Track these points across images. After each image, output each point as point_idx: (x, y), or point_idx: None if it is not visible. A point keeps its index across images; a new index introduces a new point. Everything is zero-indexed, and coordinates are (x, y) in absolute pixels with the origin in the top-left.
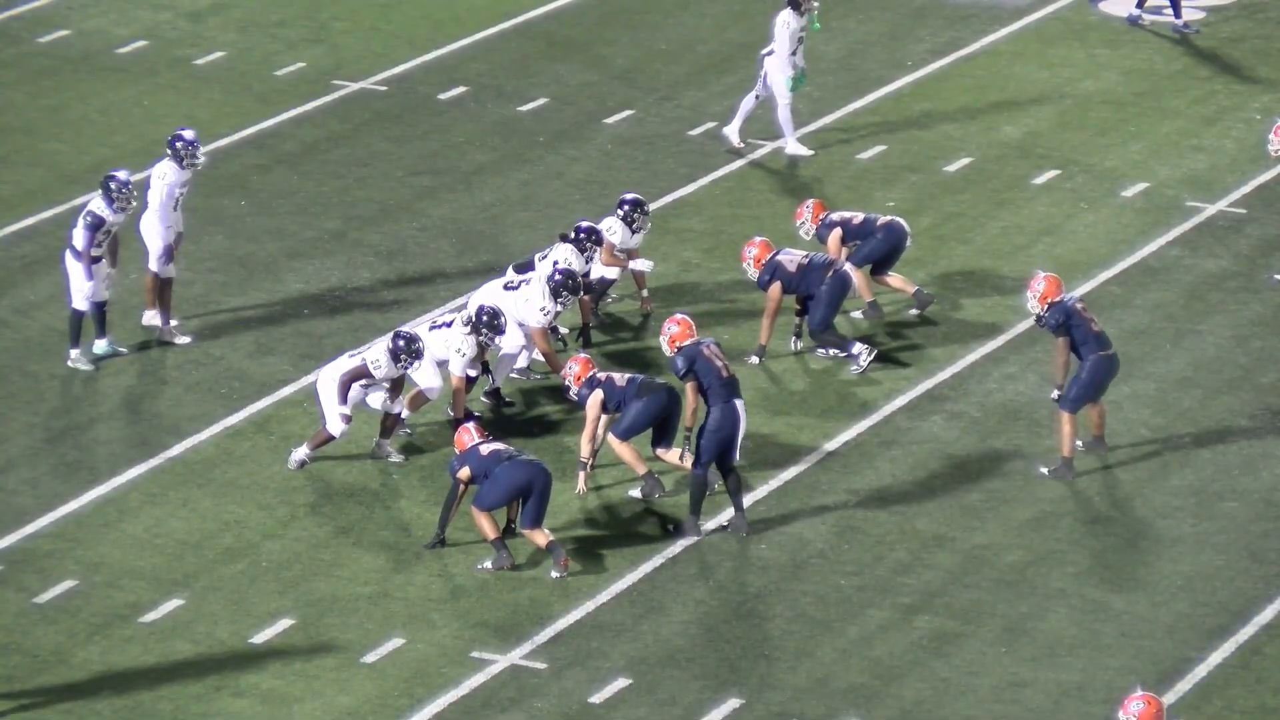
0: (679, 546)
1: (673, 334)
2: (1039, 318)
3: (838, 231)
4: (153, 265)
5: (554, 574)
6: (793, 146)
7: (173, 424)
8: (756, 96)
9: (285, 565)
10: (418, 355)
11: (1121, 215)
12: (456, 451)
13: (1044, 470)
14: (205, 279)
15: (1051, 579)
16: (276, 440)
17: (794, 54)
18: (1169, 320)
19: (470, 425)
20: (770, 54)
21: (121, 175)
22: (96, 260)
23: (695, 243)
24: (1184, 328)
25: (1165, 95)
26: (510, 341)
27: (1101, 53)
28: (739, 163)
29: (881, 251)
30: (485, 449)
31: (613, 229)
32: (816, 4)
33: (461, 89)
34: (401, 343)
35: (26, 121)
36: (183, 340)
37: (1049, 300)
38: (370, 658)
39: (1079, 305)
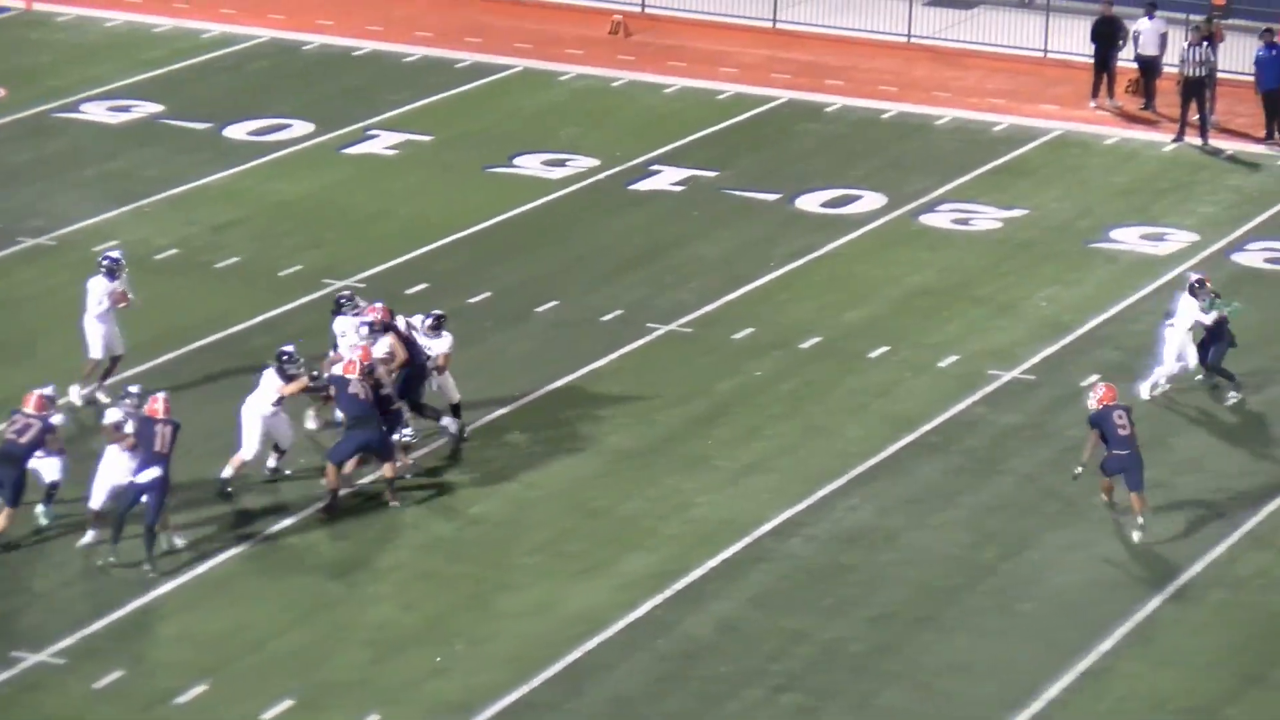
0: (596, 640)
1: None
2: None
3: None
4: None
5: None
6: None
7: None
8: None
9: (291, 656)
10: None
11: (939, 381)
12: None
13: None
14: (201, 447)
15: (889, 665)
16: (279, 561)
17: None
18: (978, 462)
19: None
20: (1170, 325)
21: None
22: None
23: (610, 403)
24: (989, 468)
25: (973, 287)
26: None
27: (924, 254)
28: (643, 341)
29: None
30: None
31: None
32: (1213, 292)
33: (424, 285)
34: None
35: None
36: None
37: (1102, 403)
38: None
39: (1117, 415)
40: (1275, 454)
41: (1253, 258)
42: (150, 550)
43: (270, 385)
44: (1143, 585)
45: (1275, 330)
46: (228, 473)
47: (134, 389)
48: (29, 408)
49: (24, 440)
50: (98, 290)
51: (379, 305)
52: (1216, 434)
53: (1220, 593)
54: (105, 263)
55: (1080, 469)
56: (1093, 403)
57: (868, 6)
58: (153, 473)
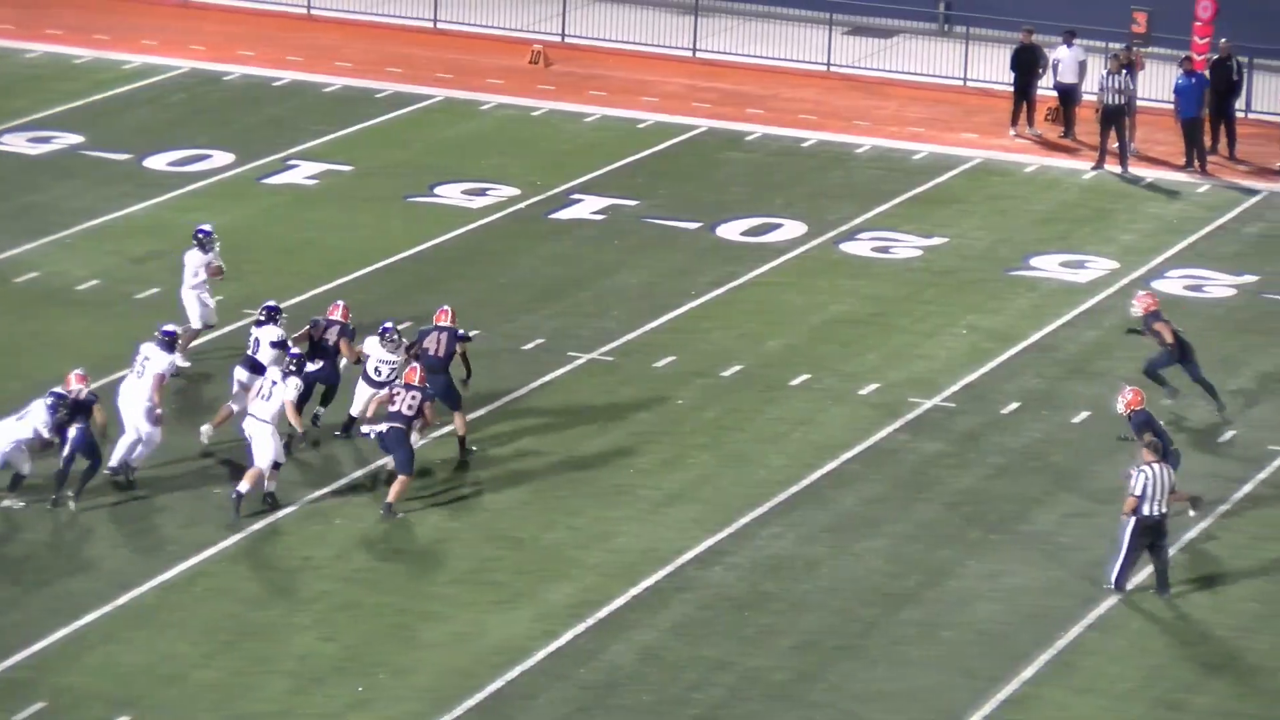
0: (518, 669)
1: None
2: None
3: None
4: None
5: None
6: None
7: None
8: None
9: (213, 687)
10: None
11: (860, 409)
12: None
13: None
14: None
15: (811, 693)
16: (201, 591)
17: None
18: (899, 490)
19: None
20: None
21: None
22: None
23: (531, 433)
24: (911, 496)
25: (894, 315)
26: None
27: (844, 282)
28: (564, 370)
29: None
30: None
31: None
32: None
33: None
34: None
35: (12, 343)
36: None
37: (1132, 408)
38: None
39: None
40: (1193, 484)
41: (1172, 285)
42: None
43: (279, 397)
44: (1064, 613)
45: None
46: (244, 487)
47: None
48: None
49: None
50: (193, 263)
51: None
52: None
53: (1141, 621)
54: (199, 236)
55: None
56: (1121, 407)
57: (788, 36)
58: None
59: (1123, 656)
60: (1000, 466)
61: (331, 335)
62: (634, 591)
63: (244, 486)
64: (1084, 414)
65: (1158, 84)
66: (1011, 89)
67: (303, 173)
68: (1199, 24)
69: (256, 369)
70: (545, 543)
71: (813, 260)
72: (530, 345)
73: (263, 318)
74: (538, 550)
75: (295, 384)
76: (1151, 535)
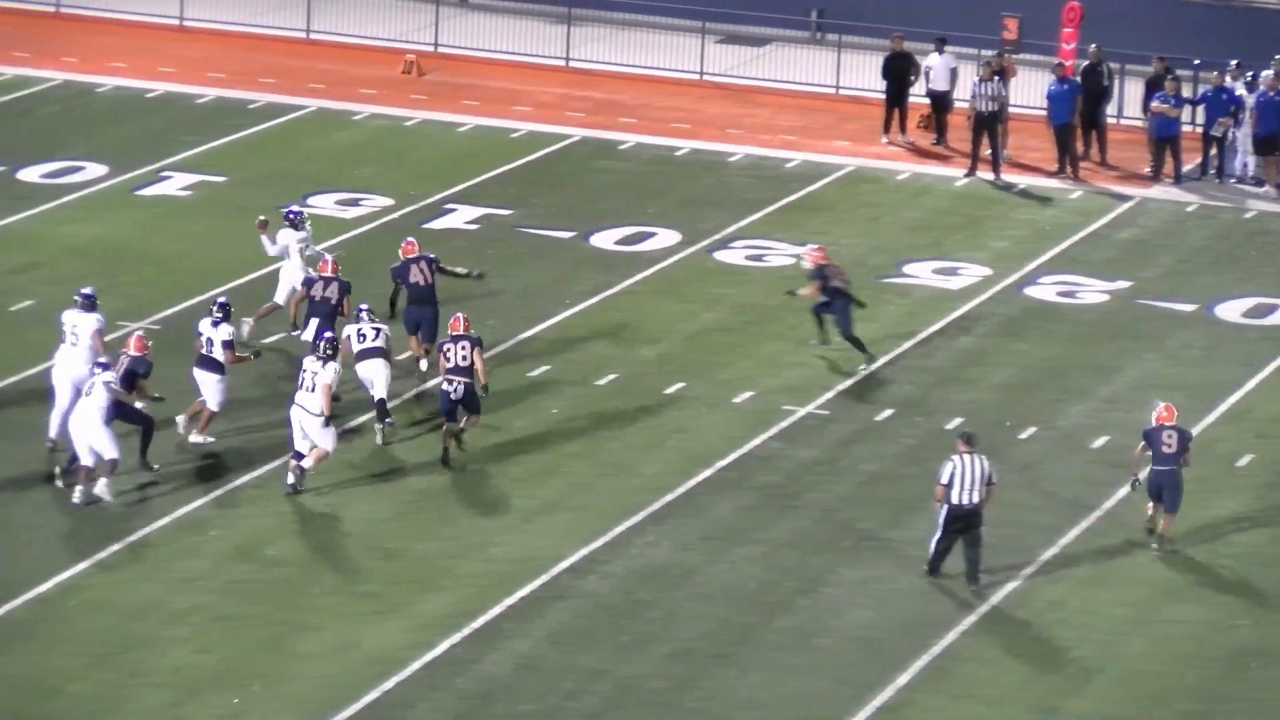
0: (394, 680)
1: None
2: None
3: None
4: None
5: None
6: None
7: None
8: None
9: (89, 700)
10: None
11: (735, 417)
12: None
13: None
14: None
15: (687, 701)
16: (77, 604)
17: None
18: (774, 498)
19: None
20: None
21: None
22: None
23: (406, 443)
24: (786, 504)
25: (767, 323)
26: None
27: (718, 290)
28: (439, 380)
29: None
30: None
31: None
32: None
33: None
34: None
35: None
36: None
37: (1159, 421)
38: None
39: (1166, 434)
40: (1067, 489)
41: (1045, 291)
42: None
43: (322, 384)
44: (939, 619)
45: (1065, 364)
46: (297, 474)
47: None
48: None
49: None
50: (286, 240)
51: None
52: (1010, 468)
53: (1016, 626)
54: (290, 216)
55: (1137, 479)
56: (1152, 419)
57: (661, 44)
58: None
59: (998, 661)
60: (874, 473)
61: (332, 293)
62: (510, 601)
63: (308, 462)
64: (956, 420)
65: (1029, 90)
66: (884, 96)
67: (176, 184)
68: (1068, 30)
69: (214, 367)
70: (420, 553)
71: (686, 269)
72: (403, 356)
73: (218, 316)
74: (413, 560)
75: (334, 369)
76: (963, 523)
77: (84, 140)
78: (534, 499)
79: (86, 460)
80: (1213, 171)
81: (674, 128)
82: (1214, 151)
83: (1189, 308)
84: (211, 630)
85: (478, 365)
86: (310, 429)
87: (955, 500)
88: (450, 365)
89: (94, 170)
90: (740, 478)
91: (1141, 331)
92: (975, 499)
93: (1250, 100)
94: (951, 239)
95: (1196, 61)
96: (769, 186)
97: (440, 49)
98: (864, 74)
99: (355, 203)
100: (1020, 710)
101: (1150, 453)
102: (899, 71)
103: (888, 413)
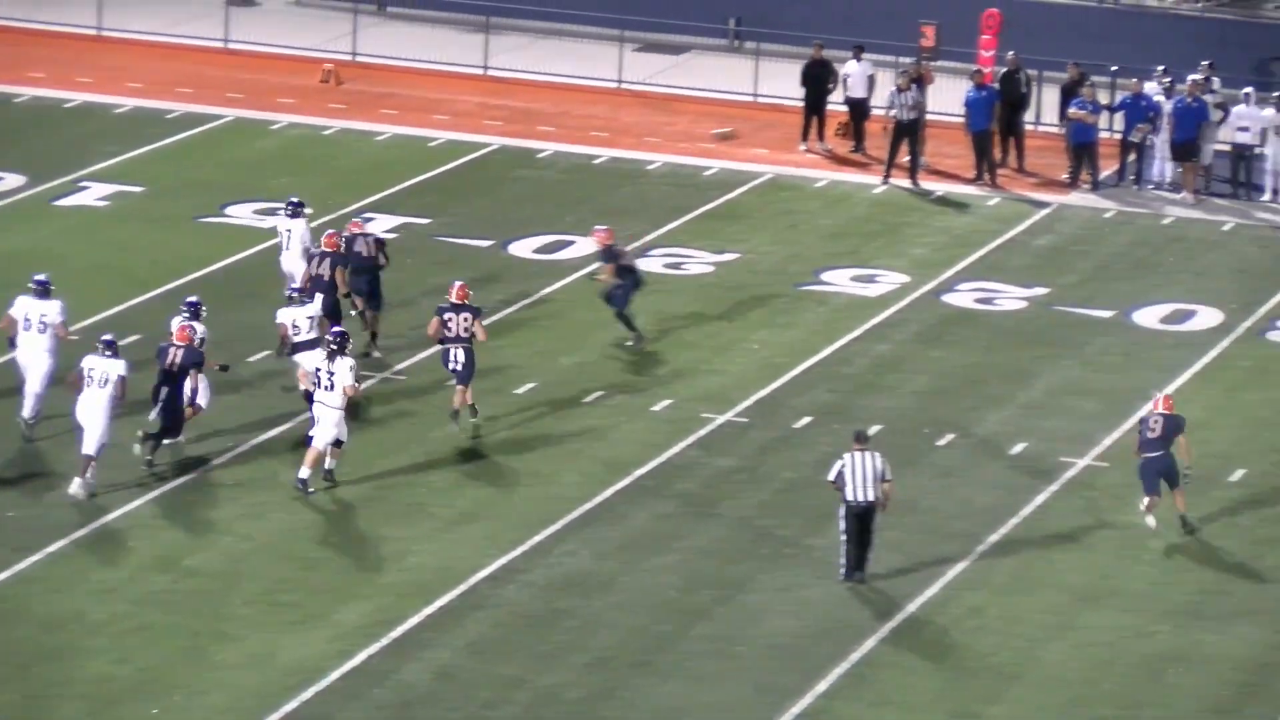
0: (313, 690)
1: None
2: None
3: None
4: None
5: None
6: None
7: None
8: None
9: (7, 712)
10: None
11: (653, 425)
12: None
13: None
14: None
15: (605, 710)
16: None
17: None
18: (692, 506)
19: None
20: None
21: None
22: None
23: None
24: (704, 512)
25: (686, 331)
26: None
27: (637, 299)
28: None
29: None
30: None
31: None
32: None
33: (138, 336)
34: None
35: None
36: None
37: (1155, 411)
38: None
39: (1152, 420)
40: (985, 496)
41: (963, 298)
42: None
43: (339, 382)
44: (858, 626)
45: (983, 371)
46: (305, 473)
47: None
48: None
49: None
50: (299, 230)
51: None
52: (930, 474)
53: (934, 632)
54: (293, 204)
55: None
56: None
57: (579, 53)
58: None
59: (917, 668)
60: (792, 481)
61: (325, 269)
62: (428, 611)
63: (304, 472)
64: (876, 427)
65: (947, 98)
66: (802, 104)
67: (94, 194)
68: (986, 37)
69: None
70: (339, 563)
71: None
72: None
73: (187, 315)
74: (332, 570)
75: (350, 364)
76: (859, 520)
77: (2, 151)
78: (452, 508)
79: (89, 449)
80: (1131, 178)
81: (592, 136)
82: (1132, 158)
83: (1106, 314)
84: (130, 640)
85: (478, 334)
86: (331, 423)
87: (850, 497)
88: (451, 334)
89: (12, 180)
90: (659, 486)
91: (1059, 338)
92: (870, 495)
93: (1168, 106)
94: (869, 246)
95: (1114, 68)
96: (687, 194)
97: (359, 58)
98: (782, 81)
99: (273, 212)
100: (939, 717)
101: (1141, 445)
102: (817, 79)
103: (806, 420)
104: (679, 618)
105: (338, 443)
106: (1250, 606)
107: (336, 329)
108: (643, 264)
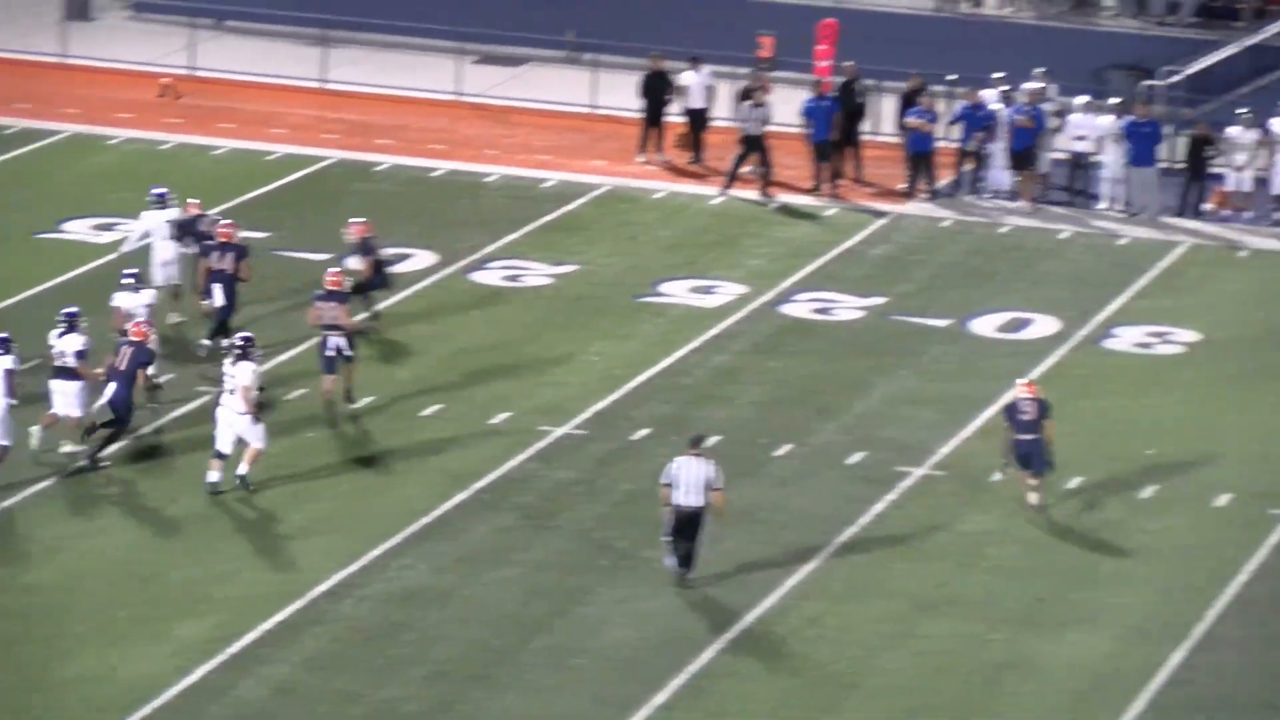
0: (151, 706)
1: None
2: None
3: None
4: None
5: None
6: None
7: None
8: None
9: None
10: None
11: (492, 437)
12: None
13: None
14: None
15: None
16: None
17: None
18: (531, 518)
19: None
20: None
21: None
22: None
23: (159, 469)
24: (543, 525)
25: (524, 344)
26: None
27: (475, 312)
28: (195, 405)
29: None
30: None
31: None
32: None
33: None
34: None
35: None
36: None
37: (1017, 396)
38: None
39: (1023, 404)
40: (822, 506)
41: (801, 309)
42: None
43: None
44: (696, 637)
45: (820, 381)
46: (244, 469)
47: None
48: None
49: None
50: (153, 222)
51: None
52: (768, 485)
53: (773, 643)
54: (156, 197)
55: (1005, 463)
56: (1010, 396)
57: (416, 65)
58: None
59: (755, 678)
60: (631, 493)
61: (228, 263)
62: (266, 626)
63: (243, 468)
64: (715, 438)
65: (785, 108)
66: (640, 115)
67: None
68: (823, 47)
69: (70, 376)
70: (176, 579)
71: (443, 290)
72: (162, 379)
73: (63, 327)
74: (169, 585)
75: (250, 368)
76: (685, 522)
77: None
78: (290, 523)
79: None
80: (968, 187)
81: (430, 149)
82: (969, 167)
83: (943, 323)
84: None
85: (344, 321)
86: (240, 428)
87: (676, 501)
88: (324, 323)
89: None
90: (497, 499)
91: (896, 348)
92: (696, 501)
93: (1006, 115)
94: (707, 257)
95: (952, 77)
96: (525, 206)
97: (197, 72)
98: (621, 92)
99: (110, 228)
100: None
101: (1013, 428)
102: (655, 90)
103: (644, 432)
104: (518, 630)
105: (249, 446)
106: (1086, 614)
107: (243, 334)
108: (481, 276)
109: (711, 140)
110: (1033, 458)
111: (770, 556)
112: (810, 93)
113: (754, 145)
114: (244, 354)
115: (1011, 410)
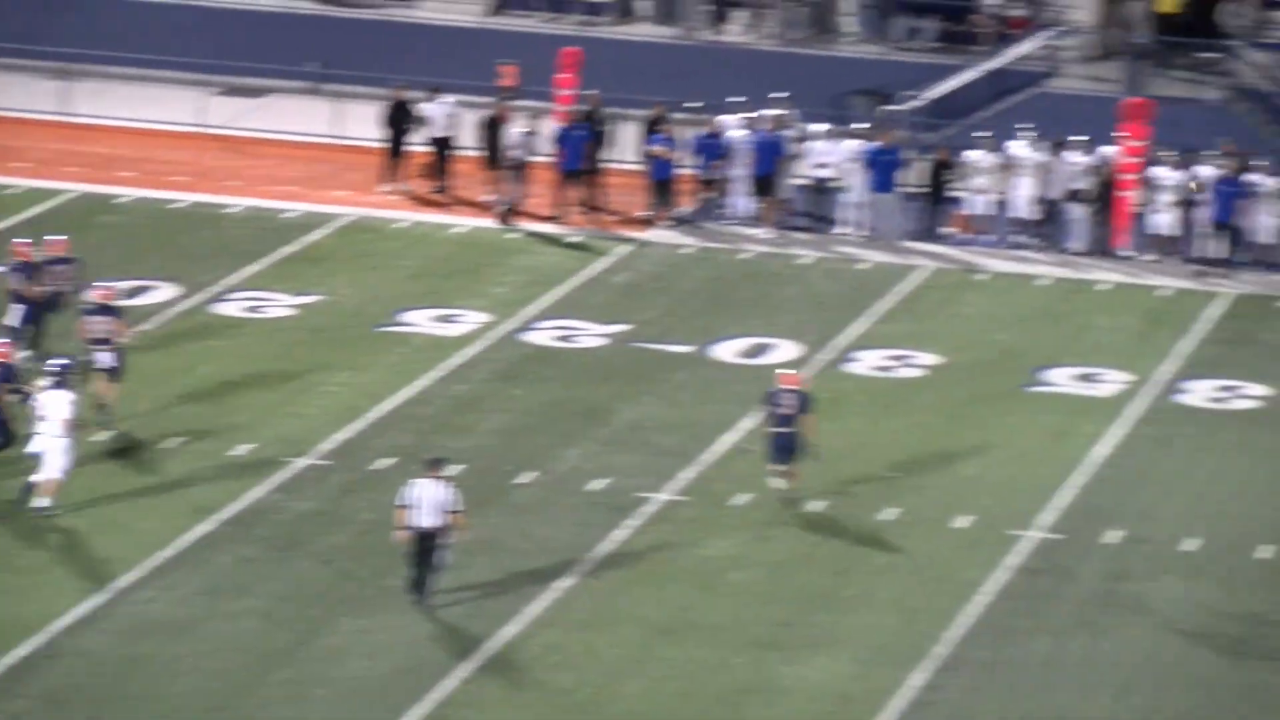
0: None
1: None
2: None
3: None
4: None
5: None
6: None
7: None
8: None
9: None
10: None
11: (234, 468)
12: None
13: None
14: None
15: None
16: None
17: None
18: (273, 549)
19: None
20: None
21: None
22: None
23: None
24: (285, 555)
25: (266, 375)
26: None
27: (216, 343)
28: None
29: None
30: None
31: None
32: None
33: None
34: None
35: None
36: None
37: (780, 384)
38: None
39: (784, 397)
40: (563, 533)
41: (543, 336)
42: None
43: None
44: (438, 665)
45: (562, 408)
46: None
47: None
48: None
49: None
50: None
51: None
52: (510, 512)
53: (514, 671)
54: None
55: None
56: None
57: (160, 97)
58: None
59: (498, 706)
60: (372, 522)
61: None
62: (6, 661)
63: (45, 501)
64: (459, 467)
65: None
66: (384, 145)
67: None
68: (565, 76)
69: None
70: None
71: (183, 321)
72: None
73: None
74: None
75: (68, 398)
76: (422, 544)
77: None
78: (30, 556)
79: None
80: (710, 214)
81: (173, 180)
82: (710, 193)
83: (685, 349)
84: None
85: (123, 335)
86: (53, 450)
87: (415, 522)
88: (93, 337)
89: None
90: (239, 530)
91: (639, 374)
92: (431, 522)
93: (747, 140)
94: (449, 286)
95: (695, 104)
96: (267, 237)
97: None
98: (364, 123)
99: None
100: None
101: (768, 415)
102: (398, 120)
103: (387, 461)
104: (259, 662)
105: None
106: (829, 637)
107: (64, 363)
108: (223, 308)
109: (461, 169)
110: (785, 452)
111: (512, 584)
112: (558, 121)
113: (514, 172)
114: (61, 383)
115: (770, 400)
